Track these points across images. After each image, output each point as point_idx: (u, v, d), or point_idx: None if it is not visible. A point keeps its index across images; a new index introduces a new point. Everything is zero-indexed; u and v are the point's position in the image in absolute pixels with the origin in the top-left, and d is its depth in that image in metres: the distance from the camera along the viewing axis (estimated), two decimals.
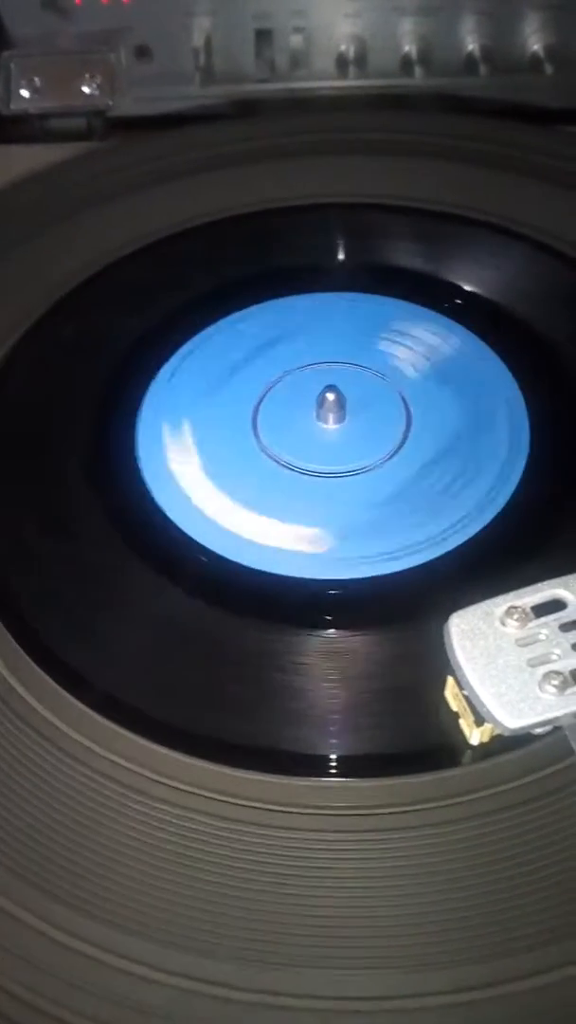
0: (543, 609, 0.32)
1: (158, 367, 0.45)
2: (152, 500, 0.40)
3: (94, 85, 0.58)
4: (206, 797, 0.31)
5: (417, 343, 0.45)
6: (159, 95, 0.60)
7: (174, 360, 0.45)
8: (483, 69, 0.59)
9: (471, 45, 0.59)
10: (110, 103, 0.58)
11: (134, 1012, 0.28)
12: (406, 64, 0.60)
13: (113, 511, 0.39)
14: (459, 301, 0.47)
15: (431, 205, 0.50)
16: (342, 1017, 0.28)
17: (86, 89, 0.58)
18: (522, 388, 0.43)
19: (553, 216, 0.49)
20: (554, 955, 0.28)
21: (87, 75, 0.58)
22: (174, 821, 0.31)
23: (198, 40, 0.59)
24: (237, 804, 0.31)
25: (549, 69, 0.59)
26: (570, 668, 0.31)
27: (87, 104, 0.58)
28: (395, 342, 0.45)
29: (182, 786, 0.31)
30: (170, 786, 0.31)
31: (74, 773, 0.32)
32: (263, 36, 0.60)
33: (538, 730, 0.31)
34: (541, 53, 0.59)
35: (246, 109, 0.61)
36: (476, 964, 0.28)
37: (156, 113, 0.60)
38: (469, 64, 0.59)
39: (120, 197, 0.51)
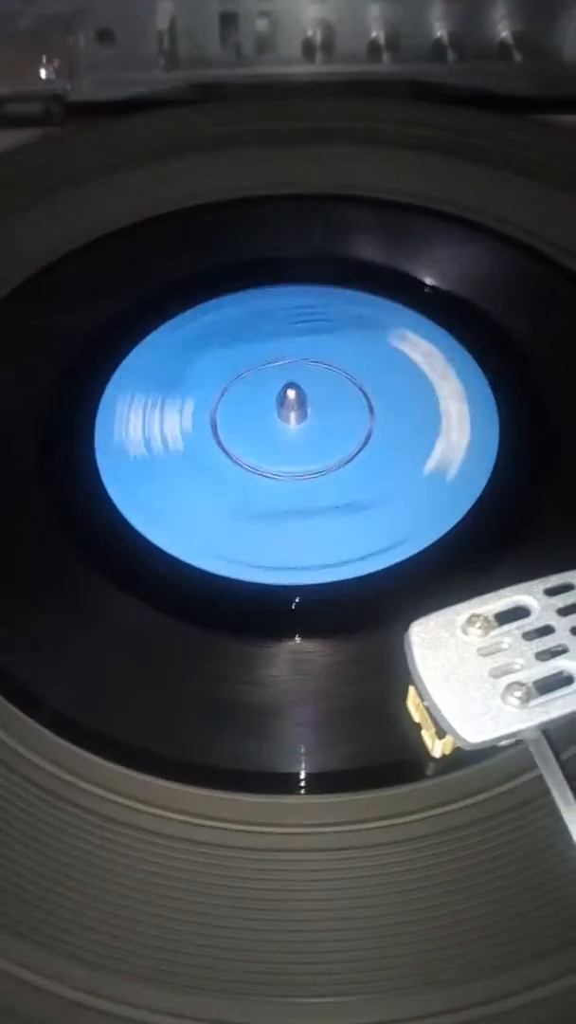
0: (506, 617, 0.31)
1: (116, 362, 0.43)
2: (112, 506, 0.38)
3: (52, 69, 0.57)
4: (162, 817, 0.30)
5: (380, 337, 0.44)
6: (121, 79, 0.59)
7: (131, 356, 0.43)
8: (451, 55, 0.59)
9: (439, 31, 0.59)
10: (68, 87, 0.57)
11: None
12: (373, 50, 0.59)
13: (70, 517, 0.38)
14: (423, 294, 0.45)
15: (396, 195, 0.49)
16: None
17: (44, 73, 0.57)
18: (489, 384, 0.42)
19: (520, 206, 0.48)
20: (521, 976, 0.27)
21: (45, 58, 0.57)
22: (131, 843, 0.30)
23: (162, 23, 0.59)
24: (195, 824, 0.30)
25: (517, 56, 0.58)
26: (533, 679, 0.30)
27: (45, 88, 0.57)
28: (357, 337, 0.44)
29: (139, 806, 0.30)
30: (127, 806, 0.30)
31: (30, 797, 0.30)
32: (228, 20, 0.59)
33: (501, 743, 0.30)
34: (510, 40, 0.58)
35: (211, 94, 0.60)
36: (441, 987, 0.27)
37: (117, 98, 0.59)
38: (437, 50, 0.59)
39: (78, 185, 0.50)
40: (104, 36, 0.58)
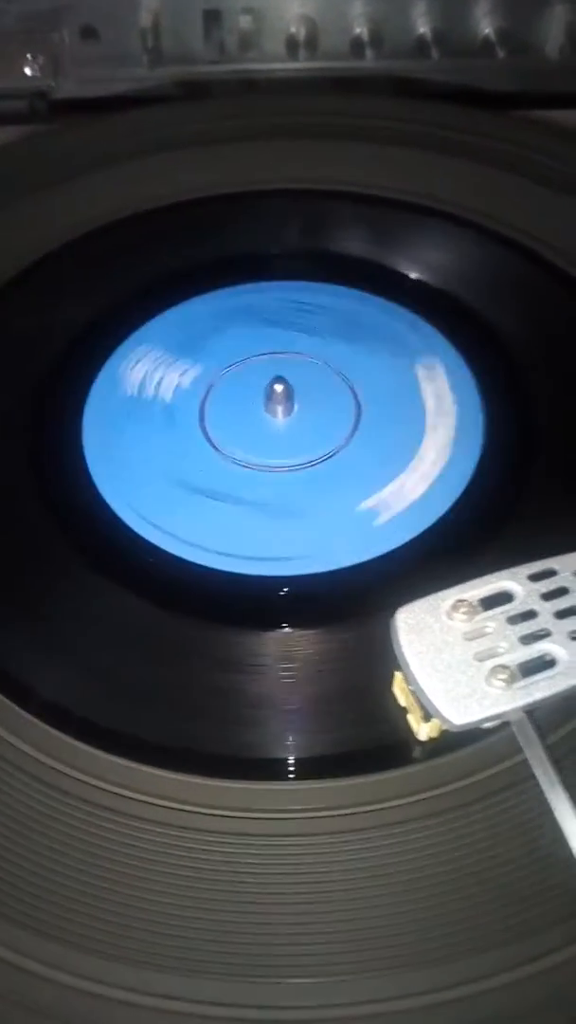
0: (491, 602, 0.31)
1: (103, 358, 0.44)
2: (101, 499, 0.39)
3: (36, 66, 0.57)
4: (150, 804, 0.30)
5: (365, 332, 0.44)
6: (105, 76, 0.59)
7: (119, 351, 0.44)
8: (434, 52, 0.59)
9: (422, 28, 0.59)
10: (53, 85, 0.57)
11: None
12: (357, 46, 0.59)
13: (58, 509, 0.38)
14: (408, 289, 0.46)
15: (380, 191, 0.49)
16: None
17: (28, 70, 0.57)
18: (474, 377, 0.42)
19: (504, 201, 0.48)
20: (510, 953, 0.27)
21: (29, 56, 0.57)
22: (120, 830, 0.30)
23: (146, 20, 0.58)
24: (186, 811, 0.30)
25: (501, 53, 0.58)
26: (517, 662, 0.30)
27: (29, 86, 0.57)
28: (344, 331, 0.44)
29: (126, 792, 0.31)
30: (115, 793, 0.31)
31: (21, 786, 0.31)
32: (212, 17, 0.59)
33: (486, 725, 0.30)
34: (493, 37, 0.58)
35: (195, 91, 0.60)
36: (432, 966, 0.27)
37: (102, 95, 0.59)
38: (420, 47, 0.59)
39: (63, 182, 0.50)
40: (88, 33, 0.58)
